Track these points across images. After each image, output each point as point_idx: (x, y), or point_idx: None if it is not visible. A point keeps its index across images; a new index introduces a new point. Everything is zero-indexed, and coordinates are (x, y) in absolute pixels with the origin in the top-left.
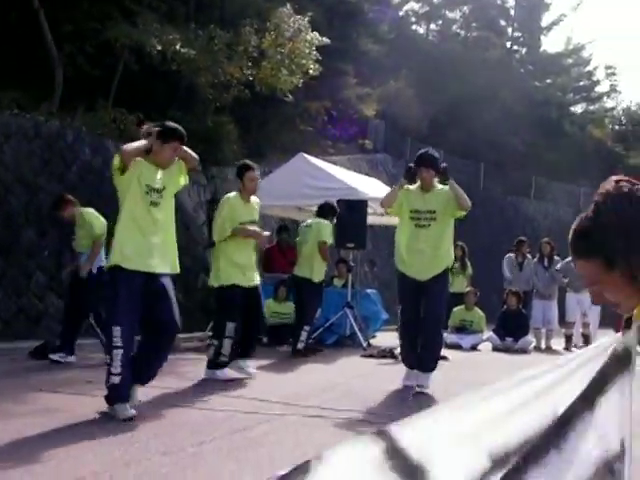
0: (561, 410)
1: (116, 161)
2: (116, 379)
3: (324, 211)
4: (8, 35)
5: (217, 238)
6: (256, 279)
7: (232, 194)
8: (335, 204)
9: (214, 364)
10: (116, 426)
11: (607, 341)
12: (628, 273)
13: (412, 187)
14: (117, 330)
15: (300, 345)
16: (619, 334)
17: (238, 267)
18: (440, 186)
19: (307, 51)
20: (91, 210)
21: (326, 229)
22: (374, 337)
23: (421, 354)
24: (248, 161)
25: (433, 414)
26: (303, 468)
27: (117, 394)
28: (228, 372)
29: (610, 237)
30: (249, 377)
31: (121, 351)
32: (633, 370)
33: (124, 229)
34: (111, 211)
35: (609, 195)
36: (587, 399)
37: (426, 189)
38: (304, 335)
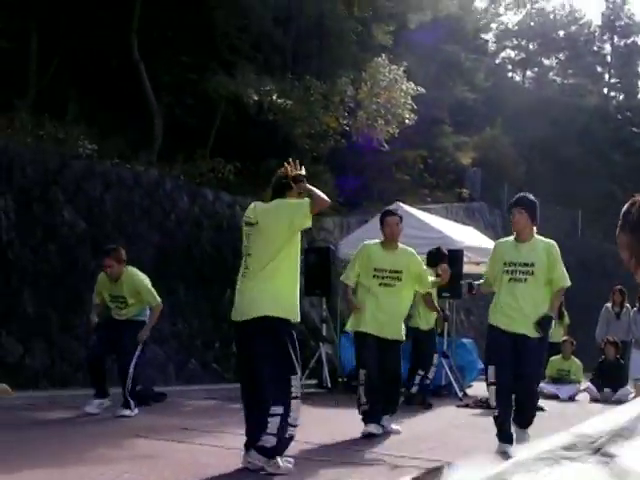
0: None
1: (310, 211)
2: (293, 431)
3: (434, 258)
4: (109, 86)
5: (341, 278)
6: (394, 333)
7: (372, 241)
8: (445, 250)
9: (361, 415)
10: (213, 476)
11: None
12: (635, 251)
13: (506, 238)
14: (295, 379)
15: (414, 389)
16: None
17: (373, 316)
18: (539, 237)
19: (403, 100)
20: (140, 273)
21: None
22: (470, 387)
23: (515, 416)
24: (389, 208)
25: None
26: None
27: (285, 446)
28: (369, 427)
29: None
30: (397, 433)
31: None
32: None
33: (293, 282)
34: (206, 257)
35: None
36: None
37: (521, 238)
38: (417, 379)
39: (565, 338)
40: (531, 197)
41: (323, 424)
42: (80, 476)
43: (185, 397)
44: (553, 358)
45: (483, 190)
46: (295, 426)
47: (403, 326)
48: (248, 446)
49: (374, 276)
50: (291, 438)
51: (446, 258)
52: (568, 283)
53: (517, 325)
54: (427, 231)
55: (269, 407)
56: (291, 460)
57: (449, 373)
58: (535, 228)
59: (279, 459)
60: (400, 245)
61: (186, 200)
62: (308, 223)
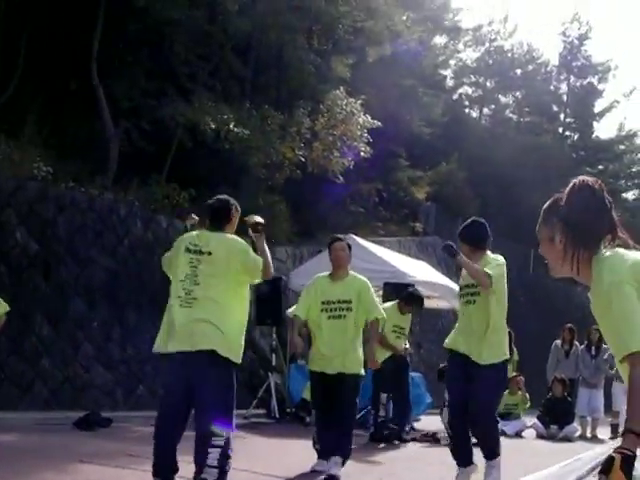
0: None
1: (259, 275)
2: (231, 464)
3: (407, 299)
4: (67, 109)
5: (289, 311)
6: (341, 366)
7: (323, 273)
8: (415, 293)
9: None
10: None
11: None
12: (561, 247)
13: None
14: (234, 415)
15: (371, 429)
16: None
17: (318, 352)
18: (492, 256)
19: (359, 133)
20: None
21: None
22: (418, 420)
23: (480, 445)
24: (337, 235)
25: None
26: None
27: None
28: (316, 464)
29: (555, 217)
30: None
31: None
32: None
33: (243, 323)
34: (158, 284)
35: (573, 185)
36: None
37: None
38: (371, 419)
39: (514, 374)
40: (472, 227)
41: (270, 454)
42: None
43: (132, 423)
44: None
45: (437, 225)
46: (230, 459)
47: (357, 359)
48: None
49: (322, 310)
50: (228, 470)
51: (421, 302)
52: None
53: (469, 348)
54: (379, 264)
55: (210, 438)
56: None
57: None
58: (485, 250)
59: None
60: (351, 273)
61: (140, 226)
62: (254, 281)
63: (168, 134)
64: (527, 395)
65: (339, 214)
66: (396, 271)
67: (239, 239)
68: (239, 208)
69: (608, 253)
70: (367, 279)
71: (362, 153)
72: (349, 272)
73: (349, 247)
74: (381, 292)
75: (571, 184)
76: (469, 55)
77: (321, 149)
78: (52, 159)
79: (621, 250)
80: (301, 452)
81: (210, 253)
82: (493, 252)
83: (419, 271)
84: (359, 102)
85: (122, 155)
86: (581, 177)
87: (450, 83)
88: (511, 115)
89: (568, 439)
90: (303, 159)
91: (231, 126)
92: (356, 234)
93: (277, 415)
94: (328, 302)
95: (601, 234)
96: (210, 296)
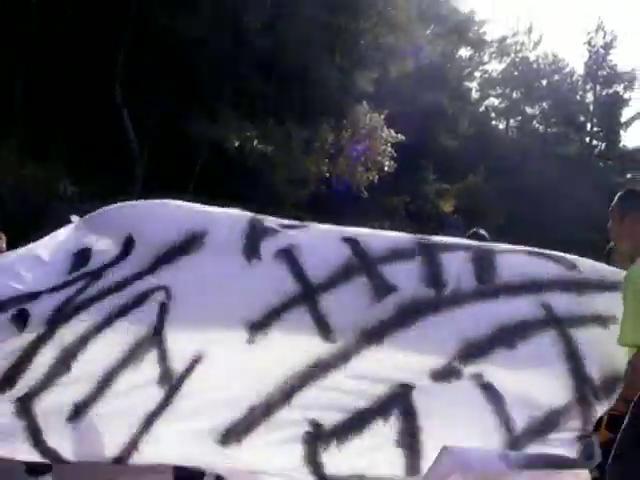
0: None
1: None
2: None
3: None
4: (91, 129)
5: None
6: None
7: None
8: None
9: None
10: None
11: None
12: None
13: None
14: None
15: None
16: None
17: None
18: None
19: (383, 148)
20: None
21: None
22: None
23: None
24: None
25: None
26: None
27: None
28: None
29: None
30: None
31: None
32: None
33: None
34: None
35: None
36: None
37: None
38: None
39: None
40: (478, 231)
41: None
42: None
43: None
44: None
45: (463, 236)
46: None
47: None
48: None
49: None
50: None
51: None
52: None
53: None
54: None
55: None
56: None
57: None
58: None
59: None
60: None
61: None
62: None
63: (193, 151)
64: None
65: (366, 228)
66: None
67: None
68: None
69: None
70: None
71: (386, 167)
72: None
73: None
74: None
75: None
76: (494, 67)
77: (345, 164)
78: (77, 179)
79: None
80: None
81: None
82: None
83: None
84: (382, 116)
85: (147, 172)
86: None
87: (476, 95)
88: (538, 126)
89: None
90: (328, 174)
91: (255, 142)
92: None
93: None
94: None
95: None
96: None
